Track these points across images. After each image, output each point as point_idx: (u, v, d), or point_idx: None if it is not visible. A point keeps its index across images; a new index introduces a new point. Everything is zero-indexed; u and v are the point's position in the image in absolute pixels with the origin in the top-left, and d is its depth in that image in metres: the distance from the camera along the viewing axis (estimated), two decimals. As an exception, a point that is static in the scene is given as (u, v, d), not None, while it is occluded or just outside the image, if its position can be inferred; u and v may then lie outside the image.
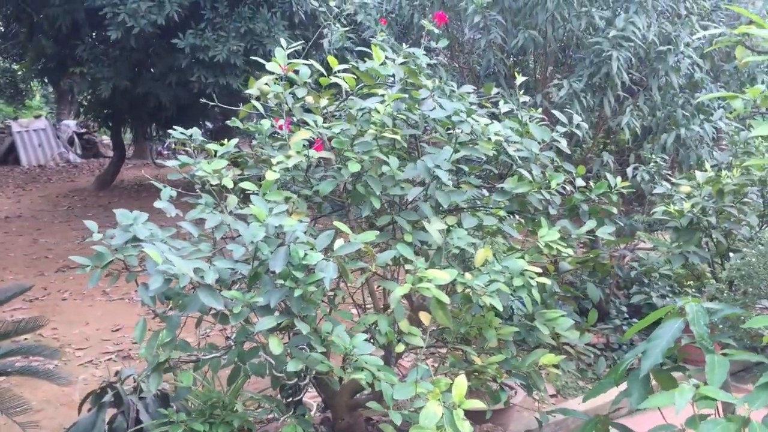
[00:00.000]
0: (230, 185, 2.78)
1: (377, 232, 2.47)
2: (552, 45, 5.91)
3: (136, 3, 8.76)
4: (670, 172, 5.08)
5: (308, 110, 3.13)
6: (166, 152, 19.48)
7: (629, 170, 5.21)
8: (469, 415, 3.80)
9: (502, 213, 2.88)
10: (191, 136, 3.21)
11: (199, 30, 9.19)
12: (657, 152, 5.46)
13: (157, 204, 2.83)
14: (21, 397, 4.18)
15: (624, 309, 5.49)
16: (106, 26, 9.01)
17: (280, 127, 3.04)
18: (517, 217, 2.95)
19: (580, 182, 3.14)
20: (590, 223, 2.95)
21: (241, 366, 2.74)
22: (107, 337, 6.58)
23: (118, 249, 2.64)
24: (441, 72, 5.65)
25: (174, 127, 3.25)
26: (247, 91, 3.01)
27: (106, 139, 21.24)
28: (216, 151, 3.04)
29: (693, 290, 2.85)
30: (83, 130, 21.28)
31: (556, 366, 2.80)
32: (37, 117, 21.45)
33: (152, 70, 10.15)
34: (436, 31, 3.99)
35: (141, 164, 19.37)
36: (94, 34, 9.91)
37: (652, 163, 4.82)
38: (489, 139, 2.70)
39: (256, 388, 3.64)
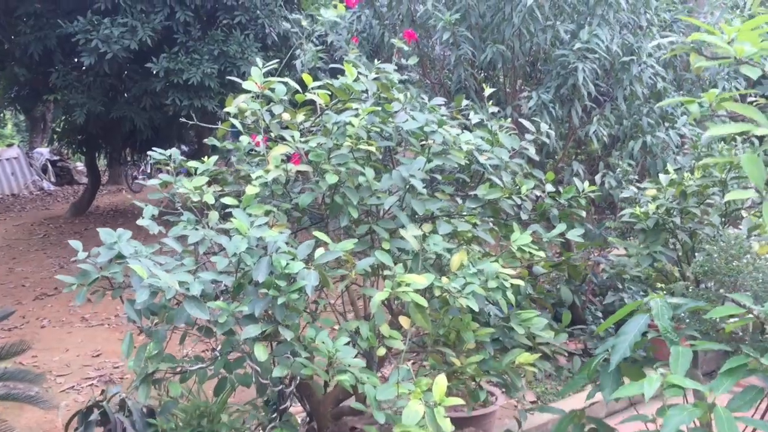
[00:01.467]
0: (211, 201, 2.86)
1: (356, 240, 2.57)
2: (520, 59, 6.07)
3: (108, 29, 8.83)
4: (637, 178, 5.23)
5: (285, 127, 3.22)
6: (141, 177, 19.44)
7: (598, 177, 5.35)
8: (452, 421, 3.88)
9: (476, 220, 2.99)
10: (170, 156, 3.29)
11: (173, 53, 9.27)
12: (625, 159, 5.62)
13: (140, 222, 2.90)
14: (4, 420, 4.21)
15: (600, 315, 5.63)
16: (79, 53, 9.06)
17: (257, 144, 3.14)
18: (490, 223, 3.06)
19: (549, 188, 3.26)
20: (560, 227, 3.07)
21: (227, 377, 2.82)
22: (88, 363, 6.59)
23: (103, 267, 2.71)
24: (412, 89, 5.78)
25: (153, 148, 3.33)
26: (225, 110, 3.10)
27: (80, 165, 21.16)
28: (196, 169, 3.13)
29: (663, 291, 2.96)
30: (57, 158, 21.17)
31: (532, 366, 2.90)
32: (9, 146, 21.33)
33: (126, 94, 10.19)
34: (406, 48, 4.12)
35: (116, 190, 19.32)
36: (67, 60, 9.93)
37: (619, 169, 4.97)
38: (460, 148, 2.81)
39: (242, 401, 3.70)
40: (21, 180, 19.79)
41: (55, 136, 12.63)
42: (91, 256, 2.78)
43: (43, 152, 21.01)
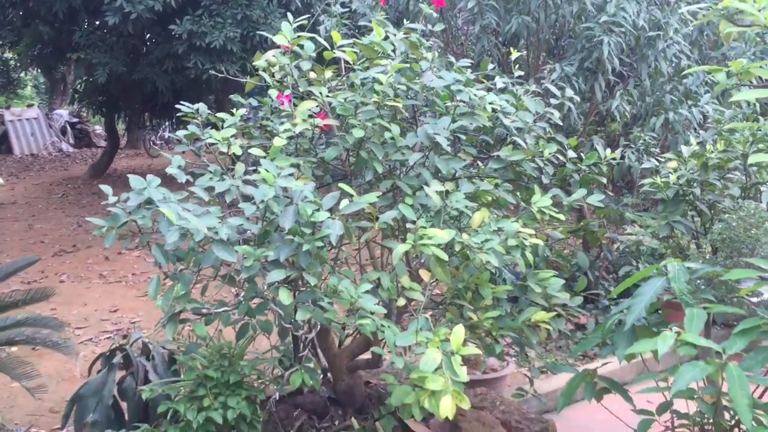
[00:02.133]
0: (239, 152, 2.92)
1: (379, 193, 2.62)
2: (545, 31, 6.07)
3: (133, -11, 8.86)
4: (659, 152, 5.24)
5: (311, 84, 3.26)
6: (159, 142, 19.54)
7: (618, 152, 5.36)
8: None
9: (497, 181, 3.03)
10: (198, 109, 3.34)
11: (196, 16, 9.29)
12: (647, 134, 5.63)
13: (168, 170, 2.96)
14: (30, 363, 4.32)
15: (612, 290, 5.66)
16: (104, 12, 9.10)
17: (281, 103, 3.18)
18: (510, 186, 3.10)
19: (571, 154, 3.29)
20: (580, 191, 3.11)
21: (249, 323, 2.89)
22: (106, 317, 6.71)
23: (132, 212, 2.77)
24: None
25: (182, 102, 3.38)
26: (254, 63, 3.14)
27: (99, 128, 21.29)
28: (223, 121, 3.19)
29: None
30: (76, 120, 21.31)
31: (547, 324, 2.95)
32: (30, 106, 21.45)
33: (149, 56, 10.23)
34: (434, 14, 4.14)
35: (134, 154, 19.45)
36: (91, 19, 9.98)
37: (640, 141, 4.99)
38: (485, 109, 2.85)
39: (260, 351, 3.77)
40: (40, 141, 19.95)
41: (76, 96, 12.70)
42: (121, 201, 2.84)
43: (63, 114, 21.14)
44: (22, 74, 21.93)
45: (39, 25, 10.19)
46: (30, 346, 4.62)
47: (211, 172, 2.99)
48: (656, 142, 5.68)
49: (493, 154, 3.04)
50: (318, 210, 2.50)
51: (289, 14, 3.22)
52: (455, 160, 2.90)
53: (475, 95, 2.86)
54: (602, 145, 5.80)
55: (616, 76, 5.83)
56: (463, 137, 3.05)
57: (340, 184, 2.62)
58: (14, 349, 5.35)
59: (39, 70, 13.16)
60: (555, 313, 2.90)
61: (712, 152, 3.44)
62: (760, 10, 2.47)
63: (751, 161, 2.34)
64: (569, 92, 3.31)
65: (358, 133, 2.72)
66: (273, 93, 3.11)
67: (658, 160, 3.84)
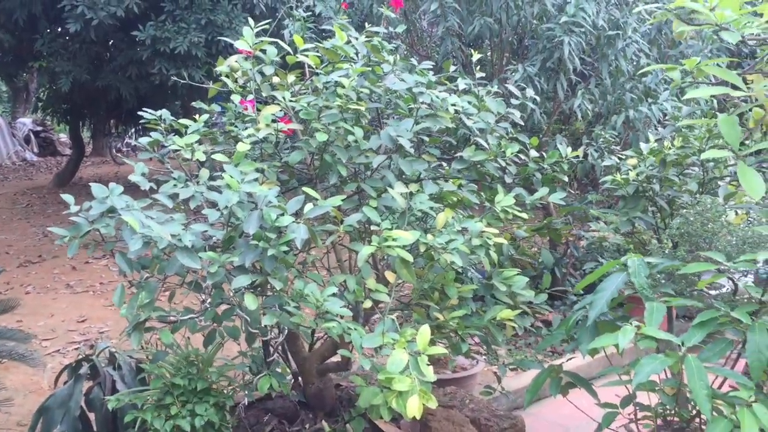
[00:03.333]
0: (202, 158, 2.92)
1: (344, 196, 2.64)
2: (507, 32, 6.13)
3: (95, -5, 8.77)
4: (619, 149, 5.33)
5: (275, 88, 3.27)
6: (125, 149, 19.35)
7: (581, 150, 5.44)
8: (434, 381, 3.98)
9: (461, 181, 3.07)
10: (161, 116, 3.33)
11: (160, 22, 9.23)
12: (608, 132, 5.72)
13: (131, 177, 2.95)
14: (-3, 380, 4.26)
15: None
16: (65, 19, 8.99)
17: (245, 108, 3.19)
18: (475, 186, 3.13)
19: (534, 153, 3.34)
20: (543, 190, 3.16)
21: (217, 329, 2.89)
22: (73, 328, 6.64)
23: (95, 220, 2.75)
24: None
25: (144, 109, 3.36)
26: (216, 69, 3.14)
27: (64, 137, 21.01)
28: (186, 128, 3.18)
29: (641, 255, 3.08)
30: (40, 128, 21.01)
31: (512, 322, 2.99)
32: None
33: (112, 63, 10.13)
34: (392, 15, 4.18)
35: (100, 161, 19.23)
36: (52, 27, 9.85)
37: (601, 140, 5.07)
38: (447, 110, 2.88)
39: (229, 356, 3.77)
40: (3, 150, 19.63)
41: (39, 105, 12.54)
42: (83, 210, 2.82)
43: (26, 122, 20.84)
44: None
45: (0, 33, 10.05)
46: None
47: (175, 178, 2.99)
48: (618, 139, 5.77)
49: (456, 155, 3.07)
50: (283, 215, 2.51)
51: (251, 19, 3.22)
52: (419, 161, 2.92)
53: (437, 97, 2.89)
54: (565, 143, 5.88)
55: (577, 75, 5.91)
56: (427, 139, 3.08)
57: (305, 188, 2.63)
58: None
59: (0, 79, 12.95)
60: (520, 310, 2.93)
61: (670, 149, 3.51)
62: (711, 10, 2.54)
63: (704, 156, 2.39)
64: (530, 92, 3.36)
65: (321, 137, 2.73)
66: (236, 98, 3.11)
67: (619, 157, 3.91)
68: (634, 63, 6.10)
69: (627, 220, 3.44)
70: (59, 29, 9.67)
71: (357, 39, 3.15)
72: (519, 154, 3.20)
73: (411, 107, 3.01)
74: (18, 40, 10.12)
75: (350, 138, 2.80)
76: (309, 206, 2.56)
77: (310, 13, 6.37)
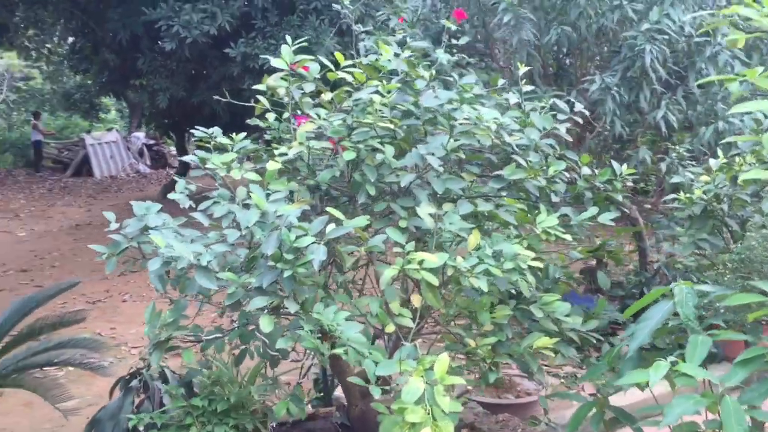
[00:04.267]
0: (238, 177, 2.92)
1: (367, 217, 2.57)
2: (588, 40, 5.89)
3: (188, 15, 9.10)
4: (693, 164, 4.99)
5: (321, 105, 3.24)
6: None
7: (663, 165, 5.14)
8: (490, 407, 3.83)
9: (511, 200, 2.93)
10: (212, 133, 3.37)
11: (250, 39, 9.47)
12: (696, 145, 5.39)
13: (171, 195, 2.99)
14: (64, 386, 4.44)
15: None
16: (162, 38, 9.38)
17: (298, 124, 3.17)
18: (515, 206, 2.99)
19: (585, 170, 3.16)
20: (592, 210, 2.97)
21: (247, 348, 2.88)
22: (163, 336, 6.83)
23: (133, 237, 2.81)
24: (472, 72, 5.72)
25: (197, 126, 3.41)
26: (255, 87, 3.15)
27: (174, 149, 21.96)
28: (232, 146, 3.20)
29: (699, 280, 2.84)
30: (152, 142, 22.04)
31: (555, 352, 2.83)
32: (109, 130, 22.32)
33: (207, 79, 10.48)
34: (454, 27, 4.08)
35: (203, 174, 19.94)
36: (153, 46, 10.30)
37: (674, 154, 4.76)
38: (487, 127, 2.76)
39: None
40: (119, 163, 20.73)
41: (142, 120, 13.14)
42: (123, 227, 2.89)
43: (140, 136, 21.90)
44: (104, 99, 22.79)
45: (105, 52, 10.59)
46: (69, 367, 4.76)
47: (215, 196, 3.00)
48: (707, 153, 5.41)
49: (495, 173, 2.94)
50: (305, 235, 2.47)
51: (288, 38, 3.21)
52: (454, 180, 2.81)
53: (473, 113, 2.78)
54: (650, 156, 5.58)
55: (663, 84, 5.59)
56: (462, 155, 2.97)
57: (328, 208, 2.57)
58: (69, 369, 5.53)
59: (110, 96, 13.68)
60: (557, 339, 2.76)
61: (742, 165, 3.24)
62: (766, 16, 2.31)
63: (743, 178, 2.18)
64: (579, 106, 3.18)
65: (348, 155, 2.67)
66: (271, 116, 3.11)
67: (691, 172, 3.65)
68: (729, 71, 5.71)
69: (691, 243, 3.19)
70: (159, 48, 10.09)
71: (398, 55, 3.08)
72: (570, 173, 3.03)
73: (452, 123, 2.90)
74: (122, 59, 10.64)
75: (380, 156, 2.73)
76: (331, 226, 2.50)
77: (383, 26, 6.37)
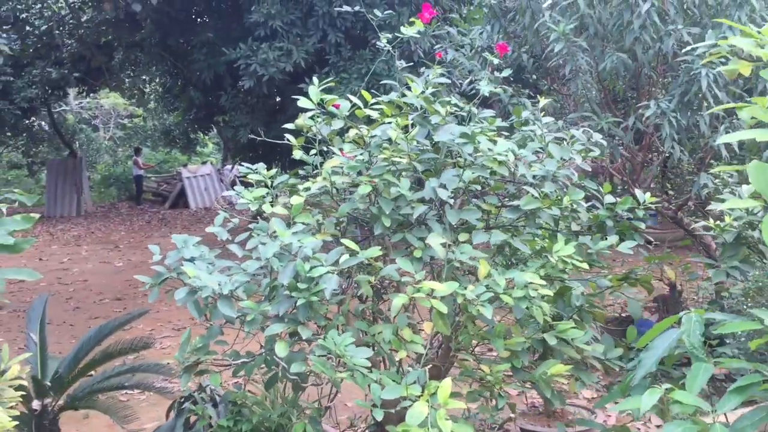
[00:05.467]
0: (269, 210, 3.11)
1: (380, 247, 2.71)
2: (645, 66, 5.84)
3: (266, 54, 9.54)
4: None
5: (356, 141, 3.42)
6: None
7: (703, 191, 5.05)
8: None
9: (526, 229, 3.01)
10: (256, 170, 3.60)
11: (324, 73, 9.81)
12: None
13: (209, 229, 3.22)
14: (130, 407, 4.74)
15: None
16: (241, 76, 9.86)
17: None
18: (535, 233, 3.06)
19: (609, 199, 3.19)
20: (612, 238, 3.00)
21: (277, 373, 3.05)
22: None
23: (174, 268, 3.04)
24: (527, 103, 5.81)
25: (242, 163, 3.65)
26: (285, 126, 3.36)
27: (263, 181, 22.69)
28: (269, 181, 3.42)
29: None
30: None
31: (577, 379, 2.86)
32: (204, 163, 23.35)
33: (284, 114, 10.89)
34: (496, 61, 4.19)
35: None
36: (234, 84, 10.82)
37: (717, 180, 4.66)
38: (496, 159, 2.85)
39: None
40: (213, 195, 21.61)
41: (228, 155, 13.74)
42: (166, 259, 3.13)
43: (232, 169, 22.80)
44: (201, 134, 23.92)
45: (191, 91, 11.19)
46: (138, 390, 5.07)
47: (252, 229, 3.21)
48: None
49: (509, 203, 3.02)
50: (320, 265, 2.63)
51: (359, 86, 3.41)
52: (470, 211, 2.91)
53: (486, 146, 2.88)
54: (713, 182, 5.46)
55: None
56: (479, 187, 3.06)
57: (342, 240, 2.73)
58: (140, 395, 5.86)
59: (198, 132, 14.41)
60: (571, 365, 2.80)
61: (776, 190, 3.18)
62: (762, 47, 2.33)
63: (725, 206, 2.18)
64: (597, 136, 3.21)
65: (363, 189, 2.82)
66: (297, 153, 3.30)
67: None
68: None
69: (722, 270, 3.16)
70: (239, 86, 10.59)
71: (423, 92, 3.23)
72: (586, 201, 3.08)
73: (470, 154, 3.01)
74: (206, 97, 11.21)
75: (394, 190, 2.86)
76: (344, 257, 2.65)
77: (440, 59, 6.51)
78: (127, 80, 15.47)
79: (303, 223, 2.99)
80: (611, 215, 3.13)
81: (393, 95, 3.22)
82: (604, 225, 3.14)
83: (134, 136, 27.16)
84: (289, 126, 3.34)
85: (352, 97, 3.33)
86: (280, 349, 2.53)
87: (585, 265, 2.86)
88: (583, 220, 3.11)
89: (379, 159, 2.93)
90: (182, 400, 3.95)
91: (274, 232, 3.04)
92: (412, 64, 10.15)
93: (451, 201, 2.80)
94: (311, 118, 3.31)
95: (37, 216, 3.23)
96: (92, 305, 10.14)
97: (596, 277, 3.32)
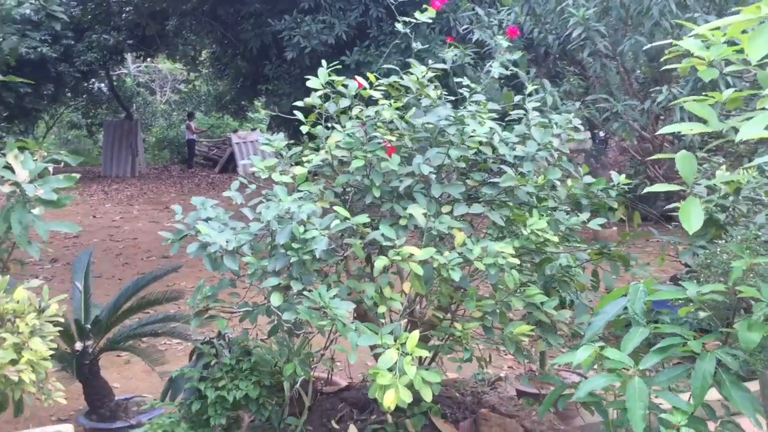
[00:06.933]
0: (277, 179, 3.49)
1: (367, 215, 3.08)
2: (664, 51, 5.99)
3: (309, 26, 9.90)
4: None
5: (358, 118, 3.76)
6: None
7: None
8: (521, 394, 4.19)
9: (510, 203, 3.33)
10: (272, 140, 3.98)
11: (364, 47, 10.13)
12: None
13: (225, 193, 3.62)
14: (162, 352, 5.22)
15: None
16: (285, 47, 10.24)
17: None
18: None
19: (587, 179, 3.48)
20: (584, 215, 3.31)
21: (279, 322, 3.45)
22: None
23: (192, 226, 3.45)
24: (547, 86, 6.04)
25: (261, 133, 4.04)
26: (295, 103, 3.73)
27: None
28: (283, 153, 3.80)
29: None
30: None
31: (532, 337, 3.21)
32: (253, 129, 23.92)
33: (325, 85, 11.26)
34: (505, 44, 4.47)
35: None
36: (279, 55, 11.21)
37: (705, 165, 4.86)
38: (477, 140, 3.18)
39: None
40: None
41: (273, 123, 14.19)
42: (187, 218, 3.54)
43: (281, 136, 23.29)
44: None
45: (239, 60, 11.62)
46: (171, 337, 5.55)
47: (264, 194, 3.60)
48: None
49: (489, 180, 3.34)
50: (314, 229, 3.00)
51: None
52: (454, 186, 3.25)
53: (469, 128, 3.20)
54: (726, 165, 5.64)
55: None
56: (464, 165, 3.39)
57: (335, 207, 3.09)
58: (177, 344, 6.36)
59: (244, 101, 14.89)
60: (533, 327, 3.13)
61: (746, 177, 3.43)
62: (707, 48, 2.59)
63: (650, 189, 2.48)
64: (576, 121, 3.49)
65: (356, 163, 3.18)
66: (304, 129, 3.67)
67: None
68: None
69: (689, 250, 3.43)
70: (283, 57, 10.98)
71: (423, 75, 3.56)
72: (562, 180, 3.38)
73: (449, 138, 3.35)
74: (253, 66, 11.63)
75: (384, 164, 3.21)
76: (336, 222, 3.02)
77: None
78: (179, 47, 16.03)
79: (308, 191, 3.37)
80: (586, 194, 3.43)
81: (393, 78, 3.55)
82: (580, 203, 3.44)
83: (188, 100, 27.88)
84: (299, 103, 3.70)
85: (360, 79, 3.68)
86: (275, 299, 2.93)
87: (555, 238, 3.17)
88: (561, 198, 3.41)
89: (374, 136, 3.28)
90: (203, 345, 4.40)
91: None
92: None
93: (433, 176, 3.15)
94: (320, 97, 3.65)
95: (78, 176, 3.64)
96: (140, 262, 10.77)
97: (576, 251, 3.62)
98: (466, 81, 3.79)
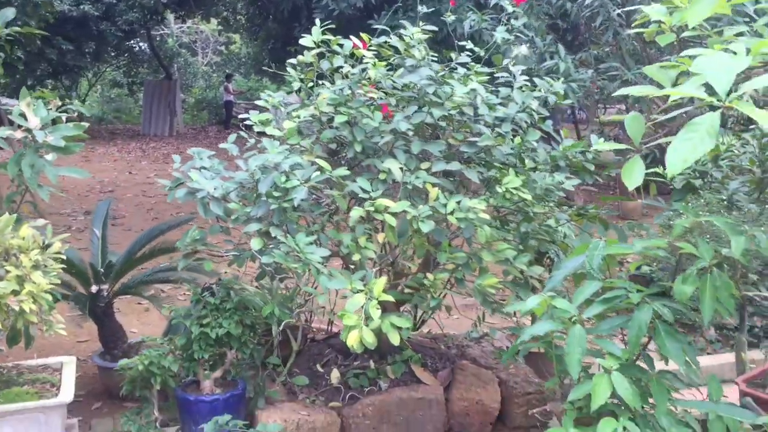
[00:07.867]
0: (271, 132, 3.66)
1: (347, 167, 3.25)
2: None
3: (338, -12, 10.01)
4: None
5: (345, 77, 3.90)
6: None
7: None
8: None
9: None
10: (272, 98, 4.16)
11: (393, 11, 10.18)
12: None
13: (222, 145, 3.81)
14: (171, 297, 5.48)
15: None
16: (314, 9, 10.36)
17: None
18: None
19: (567, 142, 3.59)
20: (559, 176, 3.42)
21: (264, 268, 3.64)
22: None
23: (189, 174, 3.66)
24: (561, 52, 6.08)
25: (265, 91, 4.21)
26: (288, 61, 3.88)
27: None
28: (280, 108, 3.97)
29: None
30: (328, 105, 23.55)
31: (501, 288, 3.36)
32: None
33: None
34: (511, 9, 4.57)
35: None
36: (310, 17, 11.33)
37: None
38: (456, 100, 3.31)
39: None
40: (297, 123, 22.39)
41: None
42: (183, 167, 3.75)
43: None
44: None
45: (270, 22, 11.77)
46: (182, 283, 5.81)
47: (258, 146, 3.79)
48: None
49: (468, 139, 3.47)
50: (295, 179, 3.18)
51: (318, 23, 3.90)
52: (434, 143, 3.39)
53: (449, 89, 3.33)
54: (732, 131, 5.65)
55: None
56: (444, 124, 3.52)
57: (317, 159, 3.26)
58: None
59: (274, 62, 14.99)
60: (499, 279, 3.28)
61: (725, 145, 3.51)
62: (671, 14, 2.68)
63: (595, 147, 2.59)
64: (558, 86, 3.59)
65: (339, 119, 3.34)
66: (295, 86, 3.83)
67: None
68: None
69: (661, 214, 3.53)
70: (313, 19, 11.11)
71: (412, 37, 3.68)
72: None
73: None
74: (284, 29, 11.78)
75: (366, 121, 3.36)
76: (316, 174, 3.19)
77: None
78: (213, 8, 16.23)
79: (299, 144, 3.55)
80: (563, 156, 3.54)
81: (382, 39, 3.68)
82: (558, 165, 3.55)
83: (229, 62, 28.12)
84: (292, 61, 3.86)
85: (355, 39, 3.82)
86: (255, 244, 3.12)
87: (528, 196, 3.30)
88: (540, 159, 3.53)
89: (359, 93, 3.43)
90: (202, 290, 4.64)
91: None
92: (478, 4, 10.40)
93: (410, 133, 3.29)
94: (316, 55, 3.81)
95: (86, 125, 3.86)
96: (169, 217, 11.09)
97: (558, 212, 3.75)
98: (469, 45, 3.92)
